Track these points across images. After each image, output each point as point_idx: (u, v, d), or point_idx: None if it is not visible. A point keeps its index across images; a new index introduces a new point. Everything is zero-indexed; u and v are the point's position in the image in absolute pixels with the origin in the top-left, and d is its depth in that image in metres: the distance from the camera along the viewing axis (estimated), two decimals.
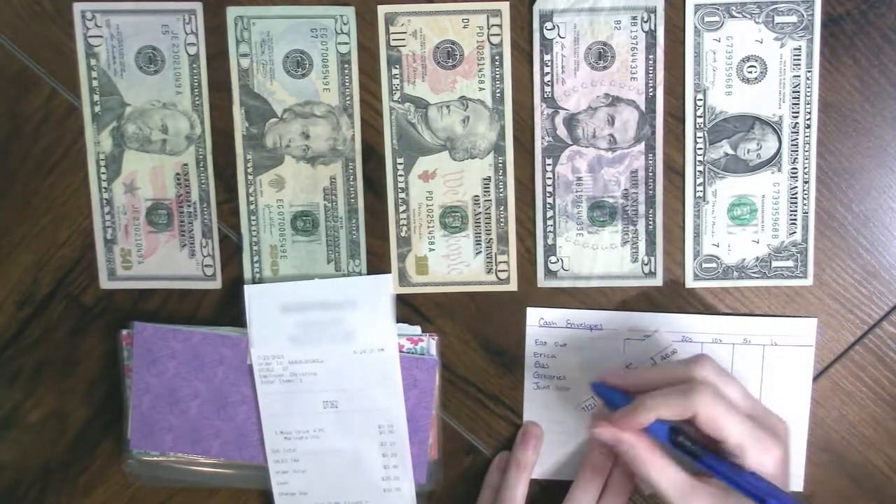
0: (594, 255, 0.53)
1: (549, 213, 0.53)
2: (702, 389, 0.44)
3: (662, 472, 0.45)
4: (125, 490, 0.57)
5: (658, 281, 0.53)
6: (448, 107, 0.53)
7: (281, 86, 0.53)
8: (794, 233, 0.53)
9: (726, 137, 0.52)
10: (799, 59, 0.51)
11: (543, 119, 0.52)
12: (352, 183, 0.54)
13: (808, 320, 0.53)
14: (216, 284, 0.55)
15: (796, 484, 0.54)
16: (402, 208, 0.54)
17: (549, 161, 0.53)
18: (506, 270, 0.54)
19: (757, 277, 0.53)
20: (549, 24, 0.52)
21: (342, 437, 0.54)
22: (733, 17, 0.51)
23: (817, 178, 0.52)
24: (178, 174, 0.54)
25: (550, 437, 0.55)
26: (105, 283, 0.55)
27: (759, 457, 0.44)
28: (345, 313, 0.53)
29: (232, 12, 0.52)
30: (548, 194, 0.53)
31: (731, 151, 0.52)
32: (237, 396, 0.54)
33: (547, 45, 0.52)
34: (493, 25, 0.52)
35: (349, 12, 0.52)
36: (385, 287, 0.53)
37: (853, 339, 0.53)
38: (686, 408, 0.44)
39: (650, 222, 0.53)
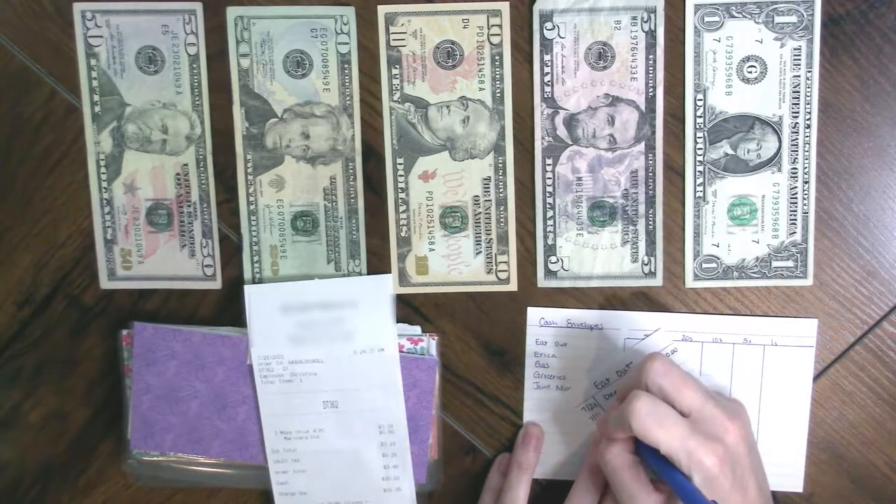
0: (594, 255, 0.53)
1: (549, 213, 0.53)
2: (636, 405, 0.45)
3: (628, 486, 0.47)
4: (125, 490, 0.57)
5: (658, 281, 0.53)
6: (448, 107, 0.53)
7: (281, 86, 0.53)
8: (794, 233, 0.53)
9: (726, 137, 0.52)
10: (799, 59, 0.51)
11: (543, 119, 0.52)
12: (352, 183, 0.53)
13: (808, 321, 0.53)
14: (216, 284, 0.55)
15: (796, 484, 0.54)
16: (402, 208, 0.54)
17: (549, 161, 0.53)
18: (506, 270, 0.54)
19: (757, 277, 0.53)
20: (549, 24, 0.52)
21: (342, 437, 0.54)
22: (733, 17, 0.51)
23: (817, 178, 0.52)
24: (178, 174, 0.54)
25: (551, 436, 0.55)
26: (105, 283, 0.55)
27: (692, 464, 0.45)
28: (345, 313, 0.53)
29: (232, 12, 0.52)
30: (548, 194, 0.53)
31: (731, 151, 0.52)
32: (237, 396, 0.54)
33: (547, 45, 0.52)
34: (493, 25, 0.52)
35: (349, 12, 0.52)
36: (385, 287, 0.53)
37: (853, 339, 0.53)
38: (625, 426, 0.46)
39: (650, 222, 0.53)
